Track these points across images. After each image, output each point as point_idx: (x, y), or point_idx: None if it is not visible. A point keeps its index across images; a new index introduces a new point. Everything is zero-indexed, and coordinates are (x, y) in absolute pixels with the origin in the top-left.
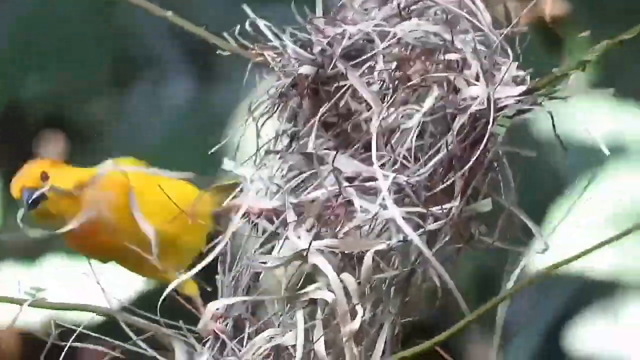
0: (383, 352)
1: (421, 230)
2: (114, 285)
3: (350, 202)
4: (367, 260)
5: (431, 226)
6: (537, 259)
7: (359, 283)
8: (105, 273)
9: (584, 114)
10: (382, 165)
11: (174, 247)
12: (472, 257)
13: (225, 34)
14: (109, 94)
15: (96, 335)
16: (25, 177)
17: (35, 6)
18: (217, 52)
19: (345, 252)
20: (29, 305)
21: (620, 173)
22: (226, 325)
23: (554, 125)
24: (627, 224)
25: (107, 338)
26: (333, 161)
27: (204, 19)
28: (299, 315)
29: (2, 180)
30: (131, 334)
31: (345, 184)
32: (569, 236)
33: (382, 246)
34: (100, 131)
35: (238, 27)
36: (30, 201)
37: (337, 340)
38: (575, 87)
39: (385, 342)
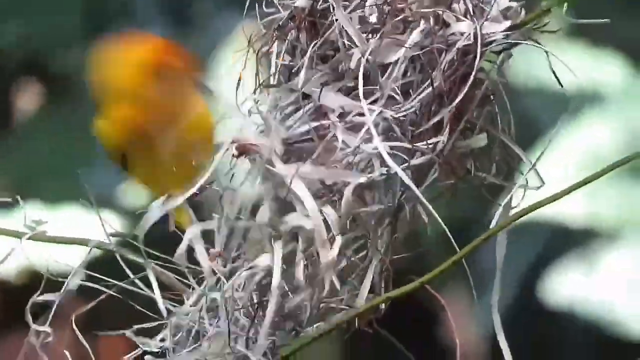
0: (372, 290)
1: (405, 164)
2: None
3: (334, 138)
4: (348, 192)
5: (416, 161)
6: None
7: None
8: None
9: (560, 61)
10: (373, 102)
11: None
12: (442, 207)
13: None
14: (84, 42)
15: (92, 273)
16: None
17: None
18: None
19: (327, 184)
20: (28, 239)
21: (596, 120)
22: (224, 264)
23: (549, 62)
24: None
25: (103, 277)
26: (319, 97)
27: None
28: (277, 245)
29: None
30: (128, 271)
31: (334, 119)
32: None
33: (363, 179)
34: (74, 79)
35: None
36: None
37: (317, 274)
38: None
39: (373, 280)
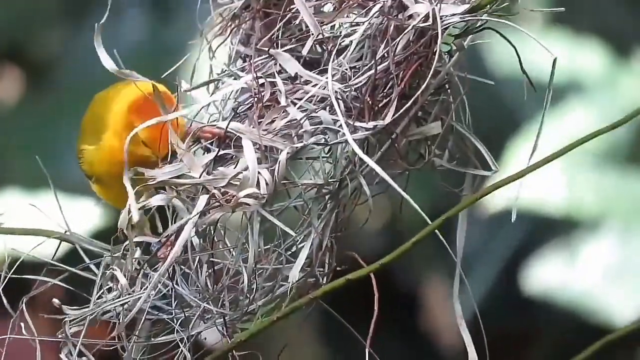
0: (311, 264)
1: (341, 138)
2: (72, 221)
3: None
4: (282, 157)
5: (358, 135)
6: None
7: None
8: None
9: (540, 48)
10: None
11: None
12: (425, 199)
13: None
14: (62, 26)
15: (52, 262)
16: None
17: None
18: None
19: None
20: None
21: (577, 108)
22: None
23: (518, 55)
24: (581, 160)
25: (60, 265)
26: (268, 51)
27: None
28: (202, 199)
29: None
30: (85, 257)
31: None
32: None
33: (299, 144)
34: (54, 65)
35: None
36: None
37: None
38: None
39: (313, 255)
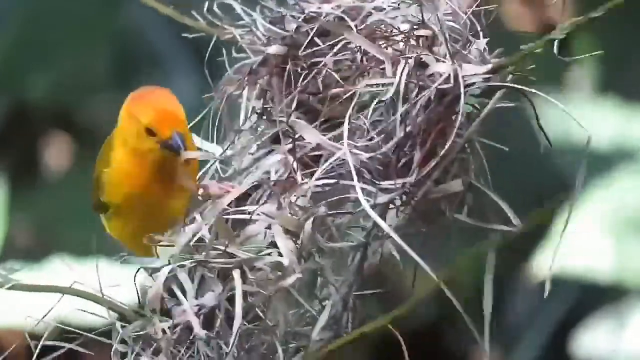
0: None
1: (370, 202)
2: (116, 286)
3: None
4: (307, 226)
5: (381, 199)
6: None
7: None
8: (107, 272)
9: (590, 117)
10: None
11: (162, 212)
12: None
13: (193, 12)
14: (113, 93)
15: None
16: (178, 121)
17: (38, 5)
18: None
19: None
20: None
21: (627, 177)
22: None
23: (535, 111)
24: (630, 227)
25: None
26: (288, 121)
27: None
28: (236, 275)
29: (6, 184)
30: (124, 330)
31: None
32: (575, 240)
33: (321, 211)
34: (103, 130)
35: (207, 3)
36: (180, 147)
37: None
38: (576, 85)
39: (338, 315)
